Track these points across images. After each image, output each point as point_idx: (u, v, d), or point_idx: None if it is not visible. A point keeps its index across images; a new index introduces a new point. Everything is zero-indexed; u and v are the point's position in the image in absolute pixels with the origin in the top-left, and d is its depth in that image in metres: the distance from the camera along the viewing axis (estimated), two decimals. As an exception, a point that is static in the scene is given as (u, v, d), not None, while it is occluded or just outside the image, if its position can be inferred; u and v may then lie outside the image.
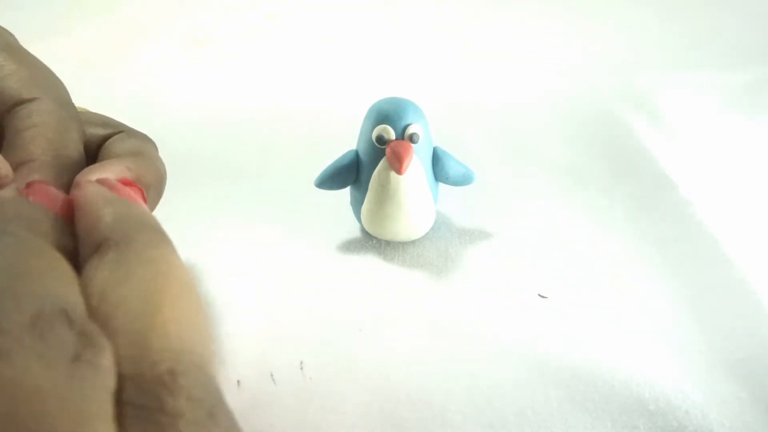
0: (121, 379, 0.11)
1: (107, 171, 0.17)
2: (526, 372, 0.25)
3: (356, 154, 0.31)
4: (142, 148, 0.22)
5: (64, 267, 0.12)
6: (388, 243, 0.33)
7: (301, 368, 0.25)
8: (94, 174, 0.16)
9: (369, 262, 0.32)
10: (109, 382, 0.10)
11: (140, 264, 0.12)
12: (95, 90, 0.55)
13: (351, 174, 0.31)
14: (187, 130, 0.46)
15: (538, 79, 0.53)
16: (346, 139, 0.33)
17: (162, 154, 0.43)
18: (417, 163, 0.30)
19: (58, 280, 0.11)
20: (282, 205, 0.36)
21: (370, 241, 0.33)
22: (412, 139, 0.30)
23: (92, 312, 0.11)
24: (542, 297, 0.29)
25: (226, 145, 0.44)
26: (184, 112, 0.50)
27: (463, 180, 0.33)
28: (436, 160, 0.32)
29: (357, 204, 0.32)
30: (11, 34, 0.21)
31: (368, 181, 0.30)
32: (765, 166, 0.39)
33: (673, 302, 0.28)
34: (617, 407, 0.23)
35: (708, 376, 0.25)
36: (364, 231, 0.33)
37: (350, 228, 0.34)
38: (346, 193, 0.33)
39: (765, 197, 0.36)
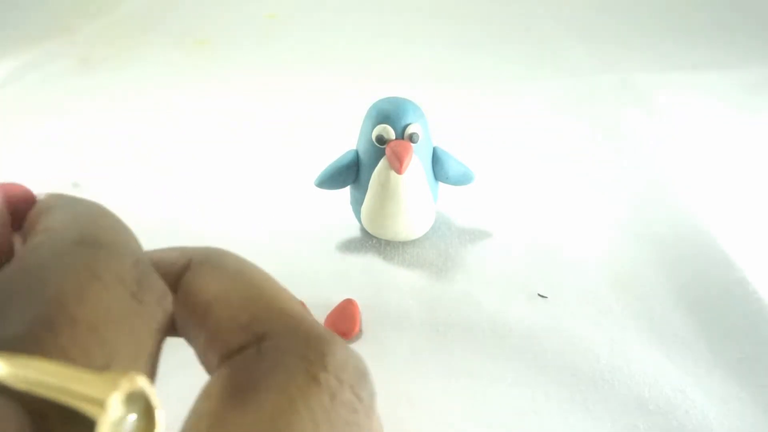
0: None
1: None
2: (526, 372, 0.25)
3: (356, 153, 0.31)
4: None
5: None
6: (388, 243, 0.33)
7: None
8: None
9: (369, 262, 0.32)
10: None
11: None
12: (96, 90, 0.55)
13: (351, 174, 0.31)
14: (186, 131, 0.46)
15: (538, 78, 0.53)
16: (346, 139, 0.33)
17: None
18: (417, 162, 0.30)
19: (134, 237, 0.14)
20: (282, 205, 0.36)
21: (370, 241, 0.33)
22: (411, 138, 0.30)
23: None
24: (542, 297, 0.29)
25: (227, 146, 0.44)
26: (183, 112, 0.50)
27: (463, 180, 0.33)
28: (436, 159, 0.32)
29: (357, 204, 0.32)
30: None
31: (368, 180, 0.30)
32: (764, 165, 0.39)
33: (673, 302, 0.28)
34: (617, 407, 0.23)
35: (708, 376, 0.25)
36: (364, 231, 0.33)
37: (350, 228, 0.34)
38: (346, 193, 0.33)
39: (764, 197, 0.36)
